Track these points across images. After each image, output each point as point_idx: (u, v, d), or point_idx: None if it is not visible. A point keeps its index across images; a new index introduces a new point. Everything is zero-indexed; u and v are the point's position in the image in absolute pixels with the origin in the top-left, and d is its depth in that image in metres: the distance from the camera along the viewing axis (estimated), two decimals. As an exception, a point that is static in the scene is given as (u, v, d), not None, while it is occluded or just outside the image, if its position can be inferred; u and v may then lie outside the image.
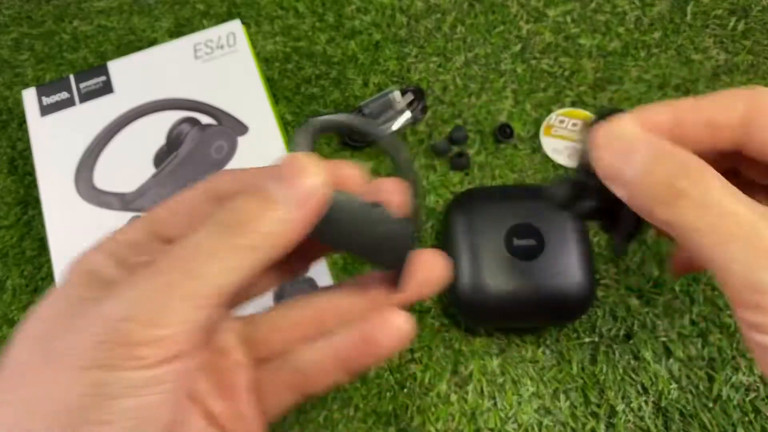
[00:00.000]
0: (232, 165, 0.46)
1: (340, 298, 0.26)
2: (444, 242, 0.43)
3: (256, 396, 0.25)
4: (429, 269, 0.25)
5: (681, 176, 0.20)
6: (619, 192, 0.22)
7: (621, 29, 0.53)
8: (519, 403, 0.42)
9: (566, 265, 0.40)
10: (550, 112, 0.50)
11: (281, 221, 0.21)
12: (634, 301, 0.44)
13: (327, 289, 0.27)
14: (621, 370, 0.42)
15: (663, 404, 0.41)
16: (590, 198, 0.25)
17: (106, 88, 0.49)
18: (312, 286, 0.43)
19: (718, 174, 0.20)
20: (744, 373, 0.41)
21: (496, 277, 0.40)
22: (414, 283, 0.25)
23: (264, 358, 0.25)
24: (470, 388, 0.43)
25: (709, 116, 0.22)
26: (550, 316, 0.42)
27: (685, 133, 0.22)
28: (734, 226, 0.19)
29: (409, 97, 0.50)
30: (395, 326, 0.24)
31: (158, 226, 0.23)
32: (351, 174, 0.24)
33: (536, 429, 0.41)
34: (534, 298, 0.40)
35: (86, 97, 0.49)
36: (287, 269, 0.26)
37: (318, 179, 0.21)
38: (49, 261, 0.47)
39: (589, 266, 0.41)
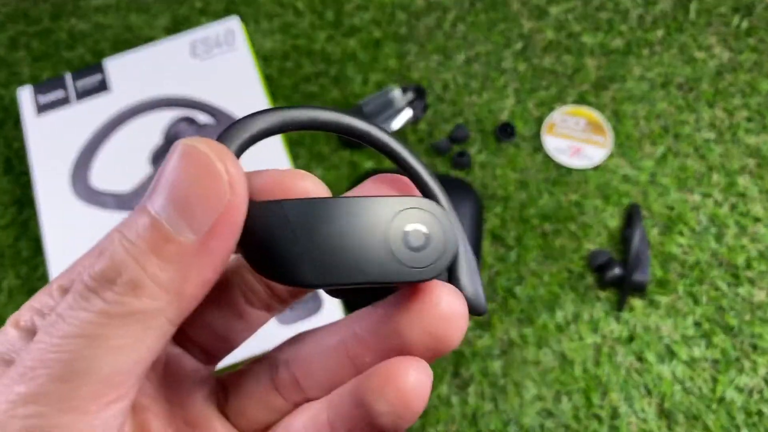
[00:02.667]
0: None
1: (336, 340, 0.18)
2: None
3: None
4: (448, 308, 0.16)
5: None
6: None
7: (624, 27, 0.53)
8: (521, 406, 0.42)
9: None
10: (552, 110, 0.50)
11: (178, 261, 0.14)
12: (637, 303, 0.44)
13: (324, 328, 0.19)
14: (624, 372, 0.42)
15: (666, 406, 0.41)
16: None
17: (103, 87, 0.49)
18: (317, 304, 0.43)
19: None
20: (748, 375, 0.41)
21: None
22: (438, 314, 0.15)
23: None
24: (471, 390, 0.42)
25: None
26: None
27: None
28: None
29: (410, 95, 0.49)
30: (400, 388, 0.15)
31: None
32: (308, 188, 0.16)
33: (538, 431, 0.41)
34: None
35: (82, 95, 0.49)
36: (269, 304, 0.19)
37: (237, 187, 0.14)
38: (44, 261, 0.46)
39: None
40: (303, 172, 0.16)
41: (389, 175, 0.18)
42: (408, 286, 0.16)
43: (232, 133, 0.15)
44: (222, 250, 0.14)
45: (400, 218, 0.15)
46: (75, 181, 0.46)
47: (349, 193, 0.17)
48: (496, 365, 0.43)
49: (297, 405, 0.18)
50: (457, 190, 0.44)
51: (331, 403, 0.17)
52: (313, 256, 0.14)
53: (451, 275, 0.16)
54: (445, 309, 0.15)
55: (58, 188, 0.45)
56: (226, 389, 0.19)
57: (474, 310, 0.16)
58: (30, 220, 0.49)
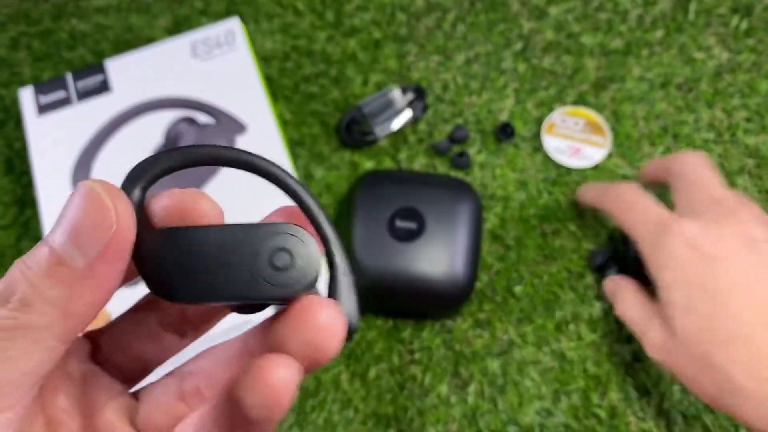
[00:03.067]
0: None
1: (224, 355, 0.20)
2: (338, 218, 0.46)
3: None
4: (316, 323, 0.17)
5: None
6: None
7: (623, 27, 0.53)
8: (520, 405, 0.42)
9: (442, 252, 0.41)
10: (551, 110, 0.50)
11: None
12: (636, 302, 0.44)
13: (224, 343, 0.20)
14: (623, 372, 0.42)
15: (665, 406, 0.41)
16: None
17: (104, 87, 0.49)
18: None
19: None
20: (747, 375, 0.41)
21: (370, 255, 0.41)
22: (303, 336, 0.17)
23: None
24: (471, 389, 0.42)
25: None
26: (418, 300, 0.42)
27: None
28: None
29: (410, 95, 0.49)
30: (268, 384, 0.16)
31: None
32: (205, 208, 0.19)
33: (537, 431, 0.41)
34: (404, 278, 0.41)
35: (84, 95, 0.49)
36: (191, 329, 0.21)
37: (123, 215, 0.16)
38: (46, 261, 0.46)
39: (470, 259, 0.42)
40: (200, 192, 0.19)
41: (288, 207, 0.20)
42: (282, 303, 0.17)
43: (135, 173, 0.18)
44: (110, 274, 0.16)
45: (268, 242, 0.17)
46: (76, 182, 0.46)
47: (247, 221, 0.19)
48: (496, 365, 0.43)
49: (183, 338, 0.21)
50: (456, 190, 0.44)
51: (215, 401, 0.18)
52: (188, 276, 0.17)
53: (329, 293, 0.18)
54: (321, 321, 0.16)
55: (60, 188, 0.46)
56: (137, 401, 0.20)
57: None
58: (31, 221, 0.49)
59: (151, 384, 0.21)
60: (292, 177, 0.19)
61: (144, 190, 0.18)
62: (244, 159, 0.18)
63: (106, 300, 0.17)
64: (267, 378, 0.16)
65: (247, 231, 0.17)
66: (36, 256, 0.16)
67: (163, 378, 0.20)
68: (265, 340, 0.19)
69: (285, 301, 0.17)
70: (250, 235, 0.17)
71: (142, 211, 0.18)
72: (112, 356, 0.20)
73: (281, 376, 0.16)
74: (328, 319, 0.16)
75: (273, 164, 0.19)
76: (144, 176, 0.18)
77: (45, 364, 0.16)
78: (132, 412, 0.20)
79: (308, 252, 0.17)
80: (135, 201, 0.18)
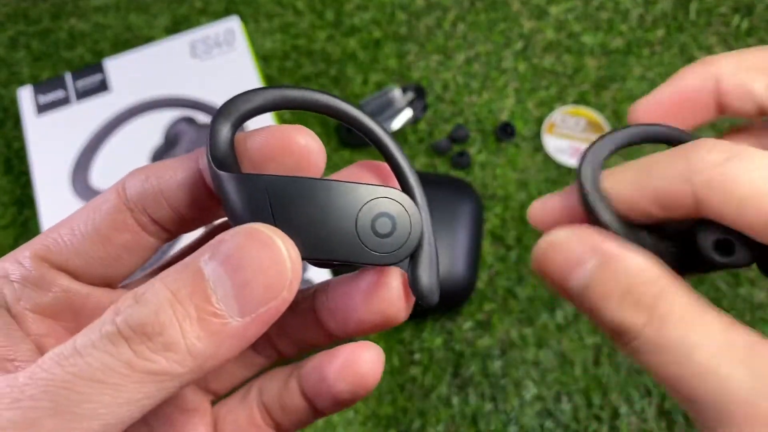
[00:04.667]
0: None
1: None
2: None
3: None
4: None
5: (633, 304, 0.15)
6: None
7: (624, 27, 0.53)
8: (521, 406, 0.42)
9: (442, 252, 0.41)
10: (552, 110, 0.50)
11: (215, 335, 0.14)
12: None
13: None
14: (624, 372, 0.42)
15: (666, 407, 0.41)
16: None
17: (103, 87, 0.49)
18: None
19: (678, 283, 0.16)
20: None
21: None
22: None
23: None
24: (471, 390, 0.42)
25: (655, 197, 0.17)
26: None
27: (636, 209, 0.17)
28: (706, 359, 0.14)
29: (410, 95, 0.49)
30: (357, 372, 0.18)
31: (54, 257, 0.17)
32: (306, 144, 0.17)
33: (538, 431, 0.41)
34: None
35: (83, 95, 0.49)
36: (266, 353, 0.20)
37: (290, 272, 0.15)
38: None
39: (470, 259, 0.42)
40: (301, 128, 0.17)
41: (373, 162, 0.19)
42: (371, 268, 0.18)
43: (227, 108, 0.17)
44: (256, 336, 0.14)
45: (371, 205, 0.16)
46: (75, 181, 0.46)
47: (332, 176, 0.19)
48: (496, 365, 0.43)
49: (270, 359, 0.20)
50: (457, 190, 0.44)
51: (301, 372, 0.19)
52: (286, 230, 0.15)
53: (412, 264, 0.17)
54: (393, 294, 0.17)
55: (58, 188, 0.45)
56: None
57: (424, 300, 0.17)
58: (30, 221, 0.49)
59: (228, 403, 0.20)
60: (386, 132, 0.18)
61: (234, 127, 0.17)
62: (343, 110, 0.18)
63: (232, 358, 0.15)
64: (357, 367, 0.17)
65: (345, 190, 0.16)
66: (188, 290, 0.14)
67: (239, 394, 0.20)
68: (341, 301, 0.18)
69: (374, 266, 0.17)
70: (351, 196, 0.16)
71: (231, 150, 0.16)
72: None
73: (370, 364, 0.17)
74: (399, 292, 0.17)
75: (373, 120, 0.18)
76: (235, 113, 0.17)
77: (152, 407, 0.14)
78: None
79: (410, 221, 0.17)
80: (226, 138, 0.16)
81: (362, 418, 0.42)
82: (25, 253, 0.17)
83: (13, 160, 0.52)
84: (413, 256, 0.17)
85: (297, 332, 0.20)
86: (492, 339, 0.43)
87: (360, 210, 0.16)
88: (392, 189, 0.17)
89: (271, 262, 0.14)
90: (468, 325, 0.44)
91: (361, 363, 0.18)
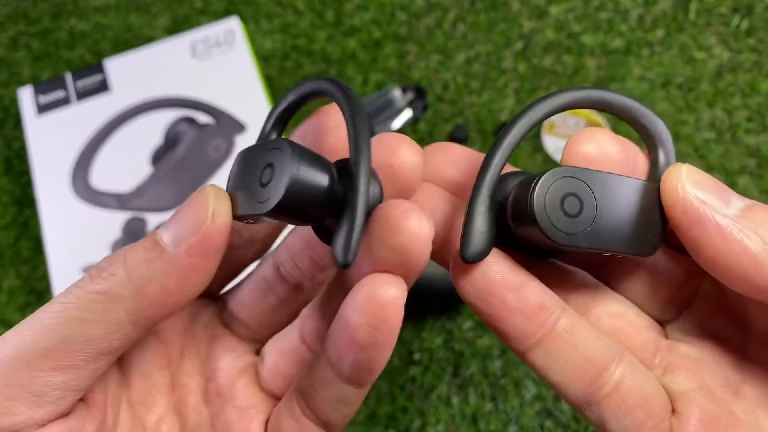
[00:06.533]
0: (229, 164, 0.46)
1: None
2: None
3: None
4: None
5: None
6: None
7: (624, 27, 0.53)
8: (521, 406, 0.42)
9: None
10: (551, 110, 0.50)
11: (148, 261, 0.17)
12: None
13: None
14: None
15: (666, 406, 0.41)
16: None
17: (103, 87, 0.49)
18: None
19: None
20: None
21: None
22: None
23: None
24: (471, 390, 0.42)
25: None
26: (418, 299, 0.41)
27: None
28: None
29: (410, 95, 0.49)
30: (377, 301, 0.16)
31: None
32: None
33: (538, 431, 0.41)
34: None
35: (83, 95, 0.49)
36: None
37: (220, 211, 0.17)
38: (45, 261, 0.46)
39: None
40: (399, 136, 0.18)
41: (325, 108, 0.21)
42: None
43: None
44: (195, 267, 0.17)
45: (268, 157, 0.17)
46: (75, 181, 0.46)
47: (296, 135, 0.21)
48: (496, 365, 0.43)
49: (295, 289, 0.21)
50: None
51: (317, 313, 0.20)
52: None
53: (337, 226, 0.17)
54: (412, 226, 0.16)
55: (59, 188, 0.45)
56: (262, 358, 0.21)
57: (336, 264, 0.16)
58: (30, 220, 0.49)
59: (275, 336, 0.21)
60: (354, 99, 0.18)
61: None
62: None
63: (185, 296, 0.17)
64: (371, 294, 0.15)
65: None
66: (144, 241, 0.17)
67: (285, 329, 0.21)
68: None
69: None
70: (262, 151, 0.17)
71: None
72: (239, 315, 0.21)
73: (384, 293, 0.15)
74: (416, 223, 0.15)
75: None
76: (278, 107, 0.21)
77: (111, 339, 0.16)
78: (256, 368, 0.21)
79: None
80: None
81: (362, 418, 0.42)
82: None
83: (13, 160, 0.52)
84: (338, 218, 0.16)
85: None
86: (492, 339, 0.43)
87: (262, 170, 0.17)
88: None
89: (198, 200, 0.17)
90: (468, 324, 0.44)
91: (382, 292, 0.16)
